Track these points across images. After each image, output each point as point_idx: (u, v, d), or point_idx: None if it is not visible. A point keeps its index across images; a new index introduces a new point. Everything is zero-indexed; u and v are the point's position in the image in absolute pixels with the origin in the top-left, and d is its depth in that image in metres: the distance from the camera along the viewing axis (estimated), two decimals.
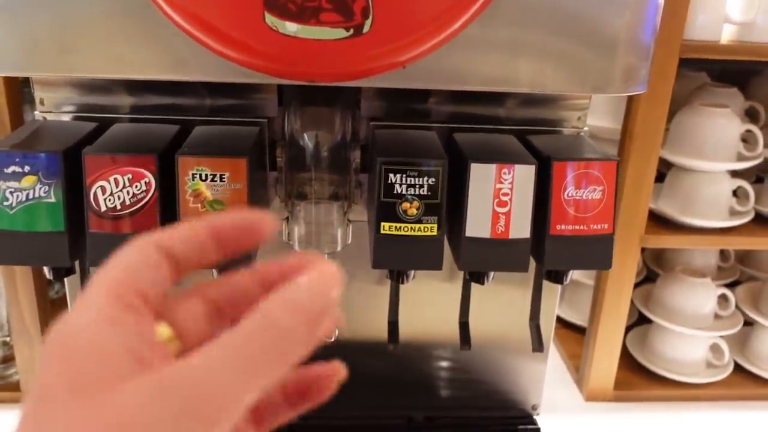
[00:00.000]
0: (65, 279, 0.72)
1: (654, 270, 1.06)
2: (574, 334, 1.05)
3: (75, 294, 0.72)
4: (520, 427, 0.81)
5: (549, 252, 0.60)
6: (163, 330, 0.28)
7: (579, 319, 1.07)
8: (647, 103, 0.80)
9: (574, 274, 1.08)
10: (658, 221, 0.91)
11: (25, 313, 0.83)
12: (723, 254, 1.08)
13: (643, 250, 1.11)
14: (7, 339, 0.89)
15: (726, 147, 0.88)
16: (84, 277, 0.65)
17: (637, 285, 1.03)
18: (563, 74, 0.52)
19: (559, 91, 0.62)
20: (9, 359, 0.89)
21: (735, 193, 0.91)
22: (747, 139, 0.90)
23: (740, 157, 0.88)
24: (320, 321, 0.28)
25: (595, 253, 0.60)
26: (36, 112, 0.65)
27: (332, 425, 0.79)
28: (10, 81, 0.71)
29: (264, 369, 0.26)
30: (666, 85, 0.79)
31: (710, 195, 0.89)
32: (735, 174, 0.95)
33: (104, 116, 0.65)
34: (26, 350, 0.85)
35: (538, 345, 0.70)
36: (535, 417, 0.83)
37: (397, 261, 0.60)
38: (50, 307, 0.87)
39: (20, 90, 0.74)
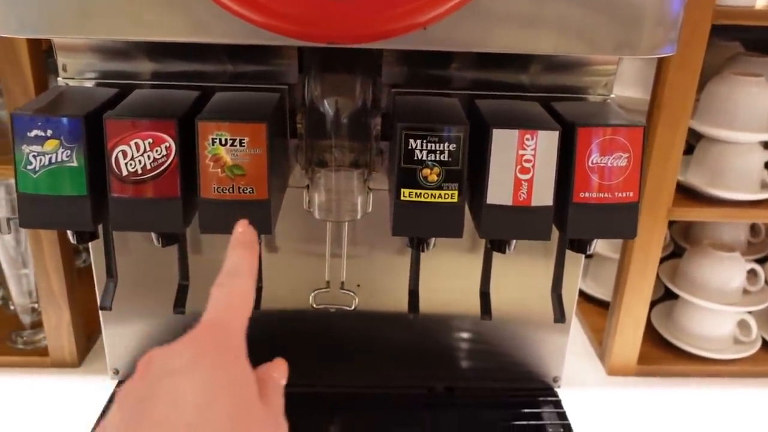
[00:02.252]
0: (90, 246, 0.74)
1: (681, 245, 1.04)
2: (598, 309, 1.04)
3: (100, 260, 0.72)
4: (541, 398, 0.81)
5: (572, 220, 0.59)
6: None
7: (603, 293, 1.06)
8: (677, 70, 0.78)
9: (599, 248, 1.06)
10: (687, 194, 0.89)
11: (53, 280, 0.84)
12: (753, 229, 1.05)
13: (671, 224, 1.09)
14: (36, 305, 0.91)
15: (758, 117, 0.85)
16: (107, 241, 0.66)
17: (664, 259, 1.01)
18: (587, 36, 0.51)
19: (583, 54, 0.61)
20: (37, 325, 0.91)
21: (767, 165, 0.89)
22: None
23: None
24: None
25: (620, 221, 0.59)
26: (59, 78, 0.65)
27: (353, 393, 0.80)
28: (33, 48, 0.72)
29: None
30: (697, 52, 0.77)
31: (740, 167, 0.86)
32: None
33: (126, 82, 0.65)
34: (54, 316, 0.86)
35: (560, 316, 0.69)
36: (556, 389, 0.83)
37: (417, 228, 0.60)
38: (77, 275, 0.88)
39: (44, 57, 0.75)
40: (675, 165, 0.82)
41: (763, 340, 0.96)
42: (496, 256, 0.68)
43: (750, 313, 0.93)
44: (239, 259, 0.41)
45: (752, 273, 0.93)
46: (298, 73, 0.66)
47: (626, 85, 1.02)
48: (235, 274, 0.40)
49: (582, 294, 1.10)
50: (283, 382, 0.40)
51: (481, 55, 0.67)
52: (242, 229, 0.44)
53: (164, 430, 0.31)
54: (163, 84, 0.65)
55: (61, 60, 0.65)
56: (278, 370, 0.41)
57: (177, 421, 0.31)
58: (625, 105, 1.04)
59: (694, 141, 0.93)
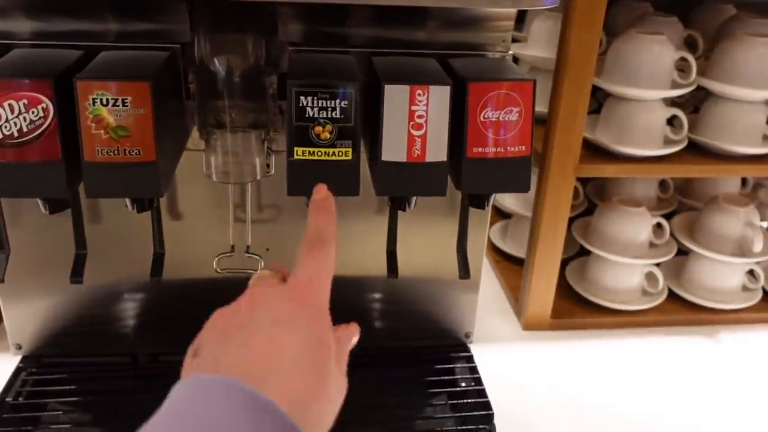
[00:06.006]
0: None
1: (596, 202, 1.06)
2: (517, 267, 1.06)
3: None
4: (453, 354, 0.83)
5: (466, 175, 0.59)
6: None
7: (522, 252, 1.07)
8: (580, 28, 0.78)
9: (516, 207, 1.08)
10: (597, 152, 0.91)
11: None
12: (663, 185, 1.09)
13: (585, 183, 1.12)
14: None
15: (660, 75, 0.87)
16: None
17: (577, 217, 1.04)
18: None
19: (461, 5, 0.61)
20: None
21: (671, 122, 0.91)
22: (683, 68, 0.89)
23: (674, 85, 0.88)
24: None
25: (513, 175, 0.60)
26: None
27: None
28: None
29: None
30: (599, 10, 0.78)
31: (644, 123, 0.89)
32: (673, 104, 0.95)
33: (5, 42, 0.62)
34: None
35: (465, 272, 0.70)
36: (468, 345, 0.85)
37: (312, 187, 0.59)
38: None
39: None
40: (581, 122, 0.83)
41: (669, 290, 1.00)
42: (407, 217, 0.68)
43: (657, 265, 0.97)
44: (324, 226, 0.47)
45: (658, 227, 0.96)
46: (190, 32, 0.63)
47: (538, 45, 1.03)
48: (321, 240, 0.46)
49: (502, 254, 1.12)
50: (354, 340, 0.48)
51: (380, 11, 0.66)
52: (321, 195, 0.50)
53: (265, 363, 0.38)
54: (45, 44, 0.62)
55: None
56: (349, 332, 0.47)
57: (277, 362, 0.38)
58: (539, 65, 1.05)
59: (603, 99, 0.95)
